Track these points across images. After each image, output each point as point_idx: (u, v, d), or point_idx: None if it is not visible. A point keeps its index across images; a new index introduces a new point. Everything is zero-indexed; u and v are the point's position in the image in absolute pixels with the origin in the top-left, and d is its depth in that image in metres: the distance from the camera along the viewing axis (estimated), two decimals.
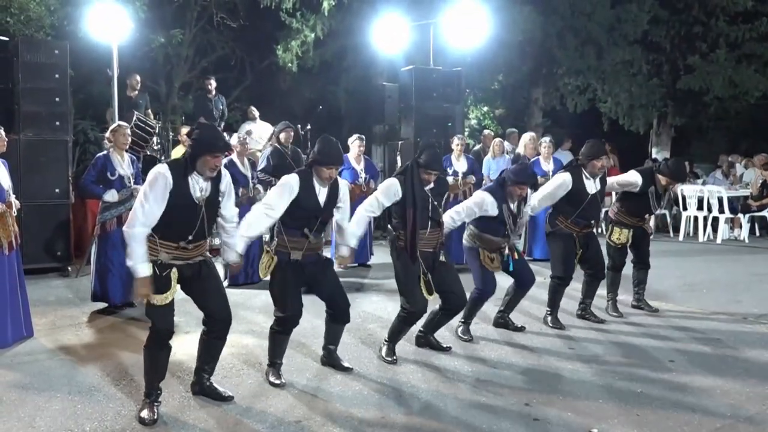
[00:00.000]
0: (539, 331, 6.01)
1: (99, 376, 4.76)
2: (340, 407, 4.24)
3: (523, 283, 5.89)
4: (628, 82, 16.61)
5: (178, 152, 10.31)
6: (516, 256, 5.71)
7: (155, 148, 10.78)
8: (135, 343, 5.55)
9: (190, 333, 5.68)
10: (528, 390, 4.58)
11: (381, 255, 9.00)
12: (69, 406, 4.24)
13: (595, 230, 6.39)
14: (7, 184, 5.53)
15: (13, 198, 5.55)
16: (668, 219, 13.08)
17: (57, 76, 8.45)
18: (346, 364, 4.96)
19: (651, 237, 6.85)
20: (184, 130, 10.46)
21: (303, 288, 4.74)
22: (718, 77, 15.61)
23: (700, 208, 12.26)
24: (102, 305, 6.66)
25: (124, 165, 6.67)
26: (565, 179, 6.07)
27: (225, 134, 12.75)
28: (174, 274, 4.01)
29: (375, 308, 6.61)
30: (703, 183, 13.41)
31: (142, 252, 3.89)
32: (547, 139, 9.87)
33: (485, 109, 20.86)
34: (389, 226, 5.22)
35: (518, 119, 18.10)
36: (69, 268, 8.44)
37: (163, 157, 10.90)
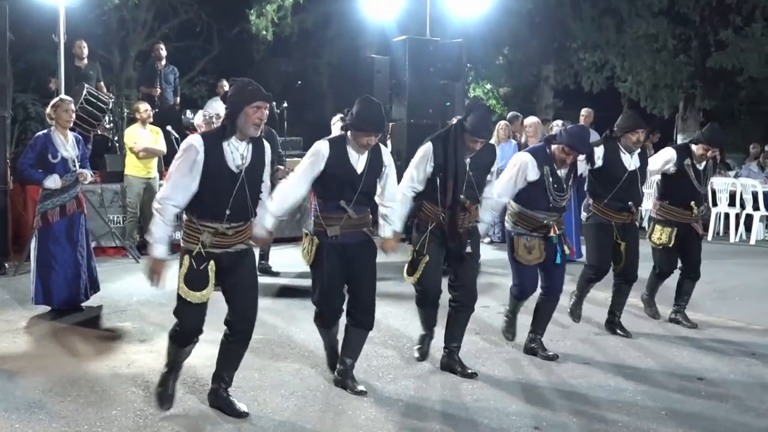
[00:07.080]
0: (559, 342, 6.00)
1: (40, 391, 4.69)
2: (362, 427, 4.24)
3: (550, 288, 5.58)
4: (652, 59, 16.62)
5: (132, 131, 10.13)
6: (567, 249, 5.52)
7: (107, 126, 10.68)
8: (81, 354, 5.50)
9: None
10: (536, 413, 4.57)
11: None
12: (5, 425, 4.17)
13: (637, 223, 6.39)
14: None
15: None
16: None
17: None
18: (360, 388, 4.75)
19: (703, 239, 6.77)
20: (141, 106, 10.19)
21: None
22: (753, 55, 15.61)
23: (731, 204, 12.22)
24: (44, 309, 6.59)
25: (67, 146, 6.58)
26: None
27: (189, 112, 12.54)
28: (212, 269, 4.13)
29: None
30: (736, 175, 13.33)
31: (162, 231, 4.09)
32: (559, 122, 9.84)
33: (488, 87, 20.87)
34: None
35: (526, 99, 18.11)
36: (6, 265, 8.37)
37: (116, 137, 10.80)
